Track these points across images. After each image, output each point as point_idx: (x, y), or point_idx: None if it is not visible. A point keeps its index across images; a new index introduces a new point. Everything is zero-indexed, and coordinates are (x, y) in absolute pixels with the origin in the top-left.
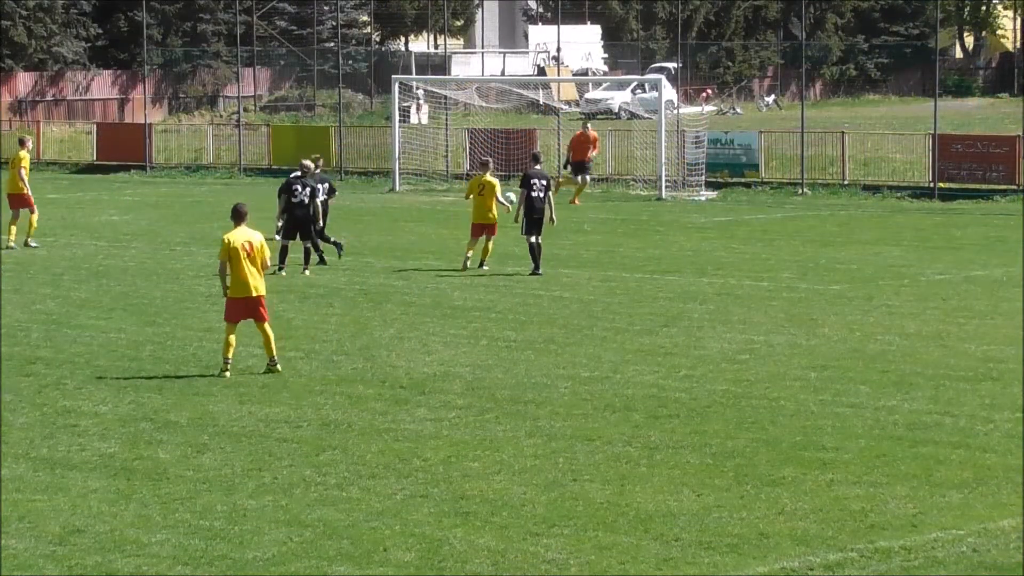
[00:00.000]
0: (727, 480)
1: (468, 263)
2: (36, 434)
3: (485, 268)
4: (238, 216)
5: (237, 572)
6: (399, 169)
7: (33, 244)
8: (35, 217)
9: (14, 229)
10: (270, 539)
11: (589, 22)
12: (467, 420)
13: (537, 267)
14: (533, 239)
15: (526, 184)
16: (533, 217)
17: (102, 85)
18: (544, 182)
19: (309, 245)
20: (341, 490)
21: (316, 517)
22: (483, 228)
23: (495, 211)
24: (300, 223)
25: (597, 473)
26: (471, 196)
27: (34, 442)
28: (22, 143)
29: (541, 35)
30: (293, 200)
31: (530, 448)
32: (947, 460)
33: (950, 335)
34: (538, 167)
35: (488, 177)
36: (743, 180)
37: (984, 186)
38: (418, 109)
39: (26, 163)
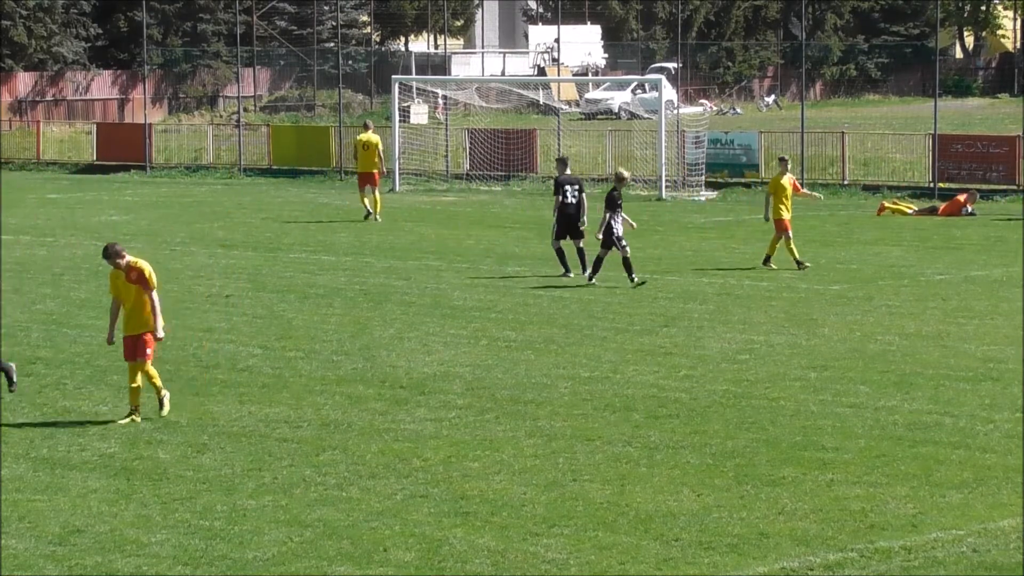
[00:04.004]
0: (727, 480)
1: (799, 261)
2: (36, 434)
3: (773, 266)
4: (107, 256)
5: (237, 572)
6: (399, 169)
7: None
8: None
9: (367, 202)
10: (270, 539)
11: (589, 22)
12: (467, 420)
13: (584, 270)
14: (560, 244)
15: (559, 191)
16: (567, 223)
17: (102, 85)
18: (576, 187)
19: None
20: (341, 490)
21: (316, 517)
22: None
23: (781, 209)
24: None
25: (597, 473)
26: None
27: (34, 442)
28: (366, 126)
29: (541, 35)
30: None
31: (530, 448)
32: (947, 460)
33: (950, 335)
34: (568, 172)
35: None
36: (743, 180)
37: (984, 186)
38: (434, 109)
39: (372, 144)
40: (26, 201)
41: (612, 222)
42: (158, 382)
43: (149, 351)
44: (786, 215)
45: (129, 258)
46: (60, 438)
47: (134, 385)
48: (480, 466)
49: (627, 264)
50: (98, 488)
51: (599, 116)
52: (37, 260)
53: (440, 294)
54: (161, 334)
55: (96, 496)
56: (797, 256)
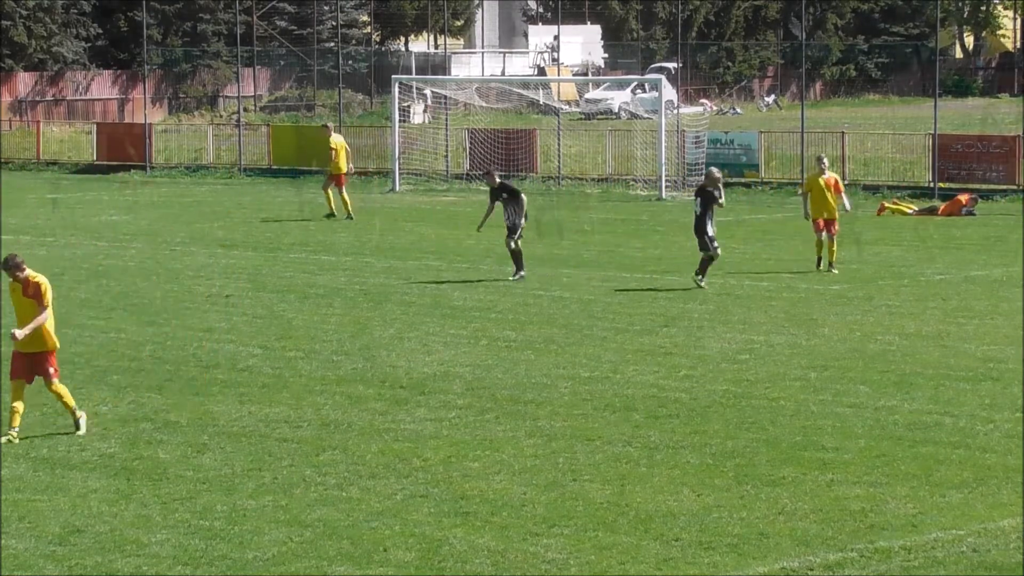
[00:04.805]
0: (727, 480)
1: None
2: (36, 434)
3: (833, 271)
4: (7, 268)
5: (237, 572)
6: (399, 169)
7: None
8: (344, 196)
9: (334, 202)
10: (270, 539)
11: (589, 22)
12: (467, 420)
13: (518, 271)
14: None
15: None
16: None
17: (102, 85)
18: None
19: None
20: (341, 490)
21: (316, 517)
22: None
23: (818, 208)
24: None
25: (597, 473)
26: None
27: (34, 442)
28: (328, 128)
29: (541, 35)
30: None
31: (530, 448)
32: (947, 460)
33: (950, 335)
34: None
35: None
36: (743, 180)
37: (984, 186)
38: (425, 110)
39: (342, 146)
40: (26, 201)
41: (708, 221)
42: (71, 402)
43: (53, 370)
44: (825, 215)
45: (29, 271)
46: (60, 438)
47: (16, 404)
48: (480, 466)
49: (706, 264)
50: (98, 488)
51: (599, 116)
52: (37, 260)
53: (440, 294)
54: (19, 336)
55: (96, 496)
56: (824, 256)
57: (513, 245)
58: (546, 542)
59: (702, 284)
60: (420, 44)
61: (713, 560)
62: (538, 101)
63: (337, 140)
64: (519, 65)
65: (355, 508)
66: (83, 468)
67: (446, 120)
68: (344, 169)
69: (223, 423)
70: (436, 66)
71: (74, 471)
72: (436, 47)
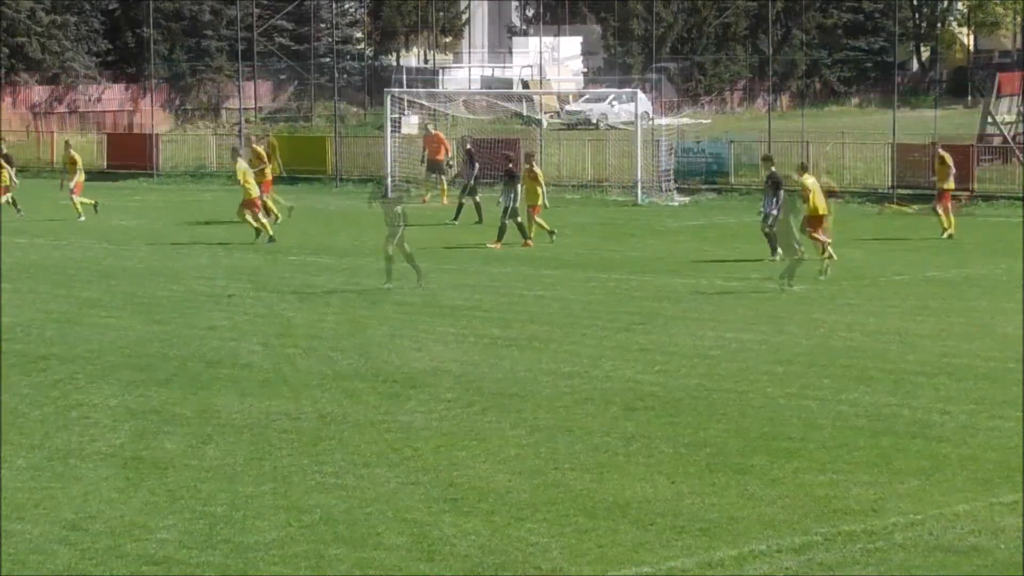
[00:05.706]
0: (699, 468)
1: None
2: (50, 426)
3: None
4: None
5: (239, 555)
6: (396, 177)
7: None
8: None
9: (273, 205)
10: (270, 524)
11: (572, 35)
12: (456, 413)
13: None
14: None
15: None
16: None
17: (112, 97)
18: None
19: None
20: (337, 478)
21: (314, 504)
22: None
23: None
24: None
25: (577, 462)
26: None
27: (48, 434)
28: (267, 135)
29: (527, 47)
30: None
31: (515, 439)
32: (905, 449)
33: (908, 332)
34: None
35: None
36: (714, 186)
37: (981, 187)
38: (419, 109)
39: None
40: (41, 208)
41: (775, 208)
42: None
43: None
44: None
45: None
46: (73, 430)
47: None
48: (468, 456)
49: (793, 268)
50: (108, 477)
51: (579, 127)
52: (50, 262)
53: (432, 294)
54: None
55: (106, 484)
56: (822, 254)
57: (389, 250)
58: (530, 527)
59: (791, 286)
60: (413, 57)
61: (686, 543)
62: (522, 112)
63: (275, 143)
64: (507, 77)
65: (351, 495)
66: (94, 458)
67: (448, 126)
68: (279, 172)
69: (225, 416)
70: (427, 79)
71: (86, 461)
72: (433, 48)
